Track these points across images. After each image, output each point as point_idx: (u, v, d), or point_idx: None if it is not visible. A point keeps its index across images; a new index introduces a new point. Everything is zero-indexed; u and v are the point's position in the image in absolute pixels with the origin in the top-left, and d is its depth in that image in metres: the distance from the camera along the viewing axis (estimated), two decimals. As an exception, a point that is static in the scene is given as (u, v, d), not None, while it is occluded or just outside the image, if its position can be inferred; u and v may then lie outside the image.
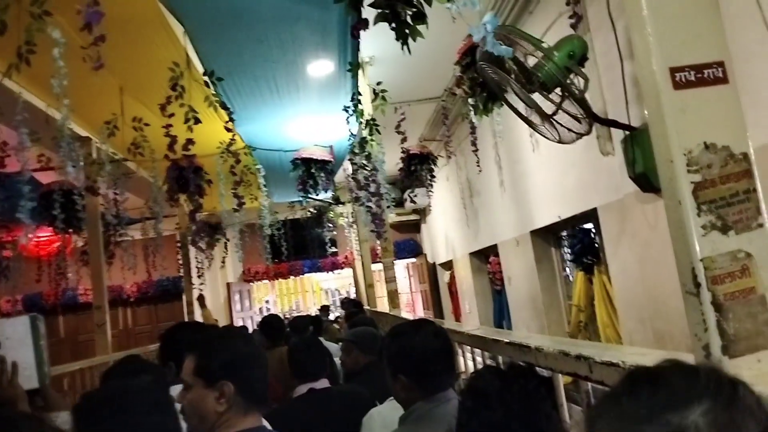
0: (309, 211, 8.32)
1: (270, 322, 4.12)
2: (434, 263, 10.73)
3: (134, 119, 3.66)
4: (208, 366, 1.63)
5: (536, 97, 3.28)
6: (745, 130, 0.91)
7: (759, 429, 0.56)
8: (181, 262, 7.92)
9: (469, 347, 2.57)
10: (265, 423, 1.82)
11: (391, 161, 5.82)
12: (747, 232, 0.87)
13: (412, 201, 5.78)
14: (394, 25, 2.28)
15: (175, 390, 1.86)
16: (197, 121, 3.11)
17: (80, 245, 6.30)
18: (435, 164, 6.67)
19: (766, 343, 0.84)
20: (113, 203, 5.05)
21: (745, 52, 2.81)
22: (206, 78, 3.34)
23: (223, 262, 8.29)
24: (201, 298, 7.23)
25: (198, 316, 7.60)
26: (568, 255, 5.59)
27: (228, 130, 3.69)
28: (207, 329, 2.67)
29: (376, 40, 3.78)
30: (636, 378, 0.64)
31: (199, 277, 7.51)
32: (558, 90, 3.29)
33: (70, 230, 5.27)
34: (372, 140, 3.98)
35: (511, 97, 3.58)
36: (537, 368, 1.81)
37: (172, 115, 3.11)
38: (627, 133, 3.61)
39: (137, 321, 11.00)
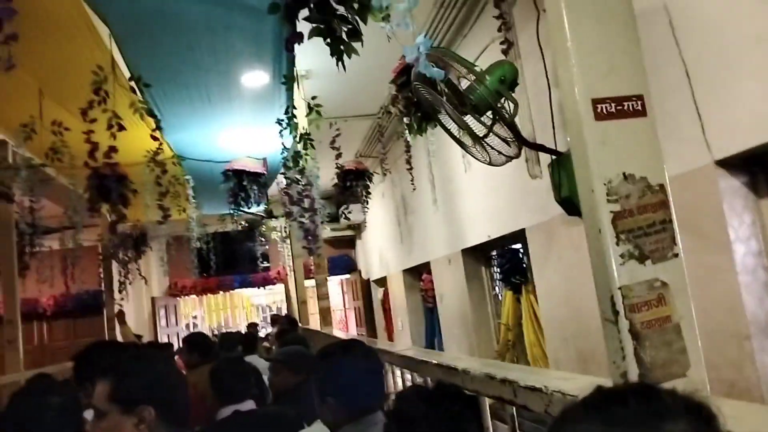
0: (240, 224, 8.12)
1: (196, 341, 3.96)
2: (368, 280, 10.71)
3: (53, 123, 3.46)
4: (125, 390, 1.53)
5: (468, 119, 3.34)
6: (662, 162, 0.93)
7: None
8: (102, 275, 7.53)
9: (399, 368, 2.55)
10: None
11: (326, 176, 5.78)
12: (663, 262, 0.89)
13: (346, 217, 5.73)
14: (329, 40, 2.26)
15: (91, 413, 1.76)
16: (121, 127, 2.97)
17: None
18: (371, 180, 6.68)
19: (681, 370, 0.86)
20: (29, 211, 4.74)
21: (663, 86, 2.97)
22: (132, 83, 3.20)
23: (143, 276, 7.94)
24: (120, 314, 6.87)
25: (118, 333, 7.23)
26: (498, 274, 5.70)
27: (154, 138, 3.55)
28: (124, 349, 2.53)
29: (314, 54, 3.74)
30: (619, 392, 0.65)
31: (120, 291, 7.16)
32: (489, 113, 3.38)
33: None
34: (306, 155, 3.93)
35: (445, 118, 3.63)
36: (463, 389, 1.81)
37: (94, 120, 2.96)
38: (553, 157, 3.72)
39: (54, 336, 10.34)
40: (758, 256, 2.75)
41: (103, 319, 8.26)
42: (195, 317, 13.00)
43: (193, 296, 11.38)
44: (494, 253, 5.80)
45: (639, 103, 0.93)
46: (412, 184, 6.04)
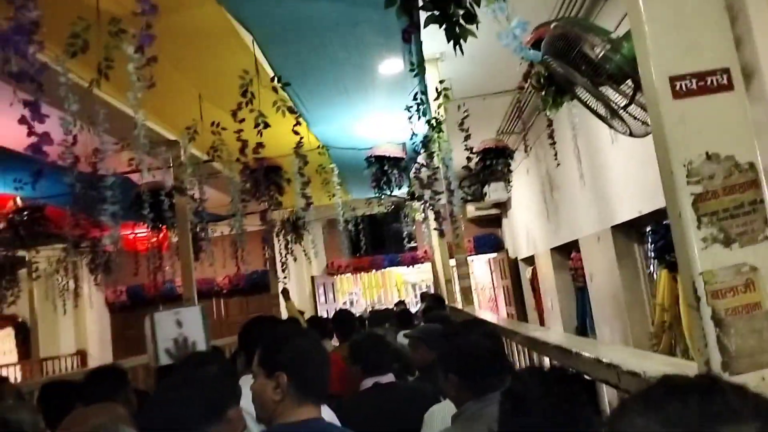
0: (386, 206, 8.43)
1: (341, 318, 4.26)
2: (516, 258, 10.54)
3: (212, 124, 3.89)
4: (269, 358, 1.75)
5: (606, 90, 3.17)
6: (752, 138, 0.86)
7: None
8: (266, 256, 8.27)
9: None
10: (327, 414, 1.91)
11: (465, 156, 5.78)
12: (752, 245, 0.83)
13: (480, 198, 5.69)
14: (445, 26, 2.29)
15: (245, 380, 2.01)
16: (266, 125, 3.27)
17: (176, 240, 6.77)
18: (511, 158, 6.55)
19: (772, 361, 0.80)
20: (199, 202, 5.38)
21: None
22: (275, 84, 3.49)
23: (307, 256, 8.59)
24: (285, 292, 7.54)
25: (283, 308, 7.92)
26: (652, 252, 5.33)
27: (296, 133, 3.84)
28: (277, 324, 2.79)
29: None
30: (682, 387, 0.63)
31: (283, 271, 7.81)
32: (629, 82, 3.17)
33: (162, 227, 5.69)
34: (439, 138, 3.99)
35: (581, 91, 3.48)
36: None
37: (243, 120, 3.29)
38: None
39: (229, 311, 11.60)
40: None
41: (271, 296, 9.09)
42: (352, 294, 13.75)
43: (349, 275, 12.06)
44: (647, 229, 5.42)
45: (725, 77, 0.86)
46: (556, 159, 5.82)
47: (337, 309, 5.65)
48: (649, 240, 5.40)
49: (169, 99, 4.03)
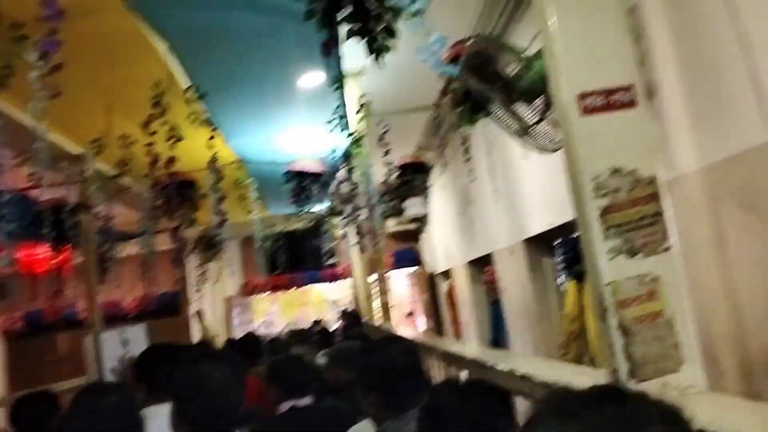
0: (306, 222, 8.34)
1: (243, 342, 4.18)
2: (433, 273, 10.72)
3: (121, 137, 3.70)
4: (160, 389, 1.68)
5: (519, 107, 3.29)
6: (654, 154, 0.91)
7: None
8: (177, 277, 7.94)
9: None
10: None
11: (384, 172, 5.82)
12: (654, 256, 0.87)
13: (399, 213, 5.75)
14: (365, 40, 2.30)
15: (148, 411, 1.90)
16: (179, 138, 3.15)
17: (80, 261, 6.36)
18: (430, 173, 6.68)
19: (674, 366, 0.84)
20: (105, 219, 5.09)
21: (717, 60, 2.81)
22: (190, 94, 3.37)
23: (219, 277, 8.32)
24: (199, 313, 7.27)
25: (196, 331, 7.63)
26: (561, 263, 5.56)
27: (211, 146, 3.73)
28: (179, 351, 2.64)
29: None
30: (593, 396, 0.63)
31: (197, 291, 7.53)
32: (540, 99, 3.31)
33: (64, 246, 5.32)
34: (359, 153, 4.00)
35: (495, 107, 3.59)
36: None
37: (154, 133, 3.15)
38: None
39: (138, 335, 11.00)
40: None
41: (182, 319, 8.71)
42: (270, 315, 13.42)
43: (267, 294, 11.77)
44: (557, 242, 5.66)
45: (628, 94, 0.91)
46: (471, 174, 5.98)
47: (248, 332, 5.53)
48: (558, 252, 5.65)
49: (74, 110, 3.80)
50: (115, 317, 10.15)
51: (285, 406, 2.77)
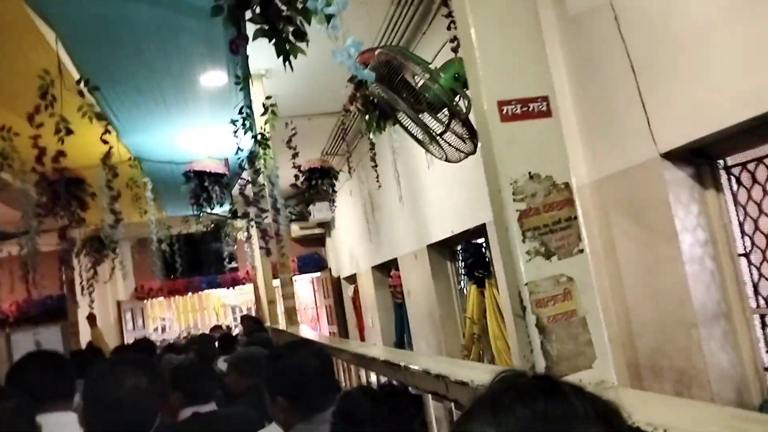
0: (206, 225, 8.05)
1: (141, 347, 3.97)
2: (339, 277, 10.71)
3: (1, 128, 3.38)
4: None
5: (425, 117, 3.37)
6: (567, 161, 0.96)
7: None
8: (64, 279, 7.38)
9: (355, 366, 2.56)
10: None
11: (292, 175, 5.74)
12: (568, 258, 0.92)
13: (304, 217, 5.71)
14: (274, 41, 2.25)
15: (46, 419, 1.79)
16: (69, 131, 2.92)
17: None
18: (336, 178, 6.68)
19: (587, 362, 0.89)
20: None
21: (609, 81, 3.04)
22: (81, 87, 3.14)
23: (109, 279, 7.83)
24: (91, 317, 6.77)
25: (83, 337, 7.13)
26: (462, 269, 5.76)
27: (105, 142, 3.50)
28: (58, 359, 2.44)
29: (273, 52, 3.73)
30: (526, 390, 0.61)
31: (90, 294, 7.02)
32: (445, 110, 3.41)
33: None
34: (265, 155, 3.91)
35: (402, 116, 3.66)
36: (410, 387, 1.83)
37: (41, 125, 2.90)
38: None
39: (16, 349, 10.10)
40: (705, 246, 2.83)
41: (68, 324, 8.11)
42: (164, 320, 12.82)
43: (161, 298, 11.23)
44: (459, 247, 5.85)
45: (544, 104, 0.95)
46: (378, 181, 6.05)
47: (142, 337, 5.26)
48: (460, 258, 5.85)
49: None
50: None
51: (187, 412, 2.66)
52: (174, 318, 12.84)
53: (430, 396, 1.61)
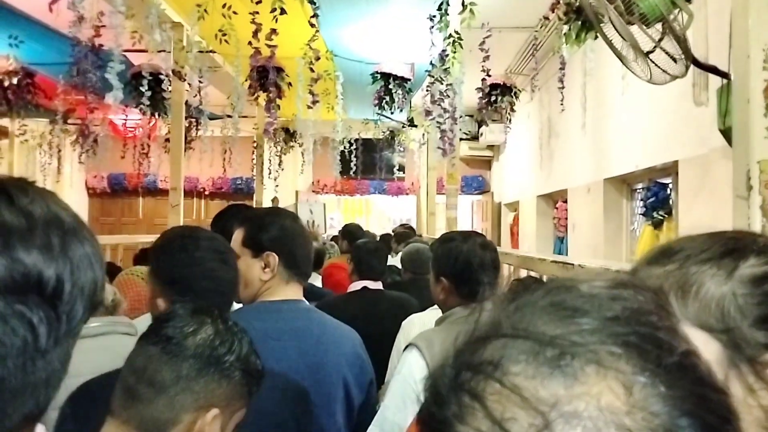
0: (383, 131, 8.33)
1: (349, 230, 4.38)
2: (500, 203, 10.61)
3: (224, 6, 3.71)
4: (255, 238, 1.72)
5: (634, 30, 3.09)
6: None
7: None
8: (254, 162, 8.19)
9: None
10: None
11: (471, 91, 5.66)
12: (816, 140, 0.82)
13: (475, 137, 5.62)
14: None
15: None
16: (282, 11, 3.13)
17: (164, 133, 6.63)
18: (517, 97, 6.46)
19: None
20: (197, 92, 5.23)
21: None
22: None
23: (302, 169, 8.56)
24: (275, 200, 7.53)
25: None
26: (640, 208, 5.38)
27: (312, 25, 3.69)
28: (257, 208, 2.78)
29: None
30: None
31: (275, 180, 7.75)
32: (659, 25, 3.09)
33: (156, 113, 5.54)
34: (454, 57, 3.89)
35: (608, 28, 3.39)
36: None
37: (259, 1, 3.14)
38: (724, 81, 3.36)
39: (209, 213, 11.56)
40: None
41: (253, 204, 9.06)
42: (332, 218, 13.73)
43: (332, 196, 12.04)
44: (639, 186, 5.45)
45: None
46: (561, 104, 5.74)
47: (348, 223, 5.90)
48: (640, 197, 5.45)
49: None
50: (192, 191, 10.74)
51: (357, 285, 2.94)
52: (342, 219, 13.70)
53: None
